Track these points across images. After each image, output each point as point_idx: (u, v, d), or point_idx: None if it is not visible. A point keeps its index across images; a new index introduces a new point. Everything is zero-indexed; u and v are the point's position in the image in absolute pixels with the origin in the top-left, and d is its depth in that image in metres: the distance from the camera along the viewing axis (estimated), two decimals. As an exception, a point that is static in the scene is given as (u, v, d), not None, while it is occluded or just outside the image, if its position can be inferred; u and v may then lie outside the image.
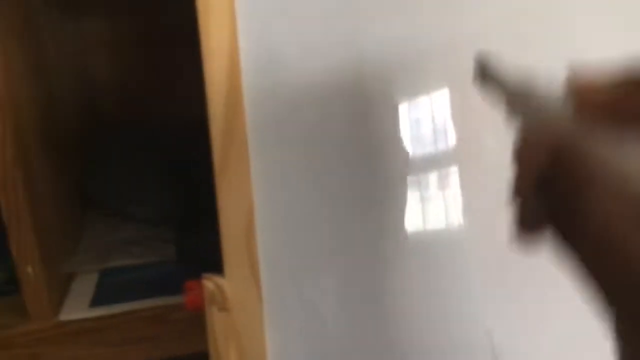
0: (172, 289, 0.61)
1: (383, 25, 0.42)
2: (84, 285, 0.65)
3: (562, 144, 0.19)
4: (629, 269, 0.17)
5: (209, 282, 0.44)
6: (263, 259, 0.44)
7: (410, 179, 0.45)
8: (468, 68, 0.44)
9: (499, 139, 0.45)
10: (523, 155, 0.20)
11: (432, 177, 0.45)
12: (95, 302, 0.62)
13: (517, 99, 0.22)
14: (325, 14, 0.41)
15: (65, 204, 0.71)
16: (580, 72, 0.20)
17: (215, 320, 0.44)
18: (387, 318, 0.47)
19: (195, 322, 0.50)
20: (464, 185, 0.45)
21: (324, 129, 0.43)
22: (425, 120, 0.44)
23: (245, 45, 0.40)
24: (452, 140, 0.45)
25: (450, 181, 0.45)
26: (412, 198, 0.45)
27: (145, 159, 0.77)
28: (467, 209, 0.46)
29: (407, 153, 0.45)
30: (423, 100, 0.44)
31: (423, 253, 0.46)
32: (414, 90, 0.44)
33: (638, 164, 0.17)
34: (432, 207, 0.46)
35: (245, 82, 0.41)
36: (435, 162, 0.45)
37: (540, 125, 0.20)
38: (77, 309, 0.61)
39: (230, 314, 0.44)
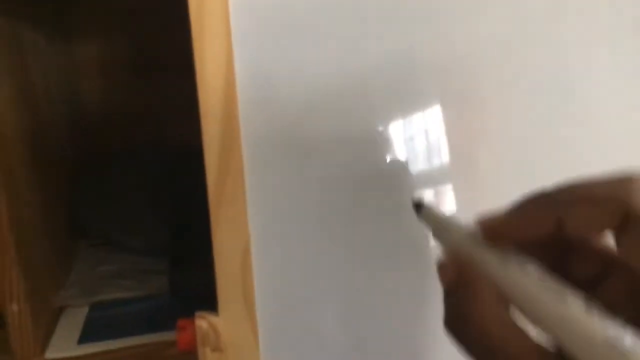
0: (165, 324, 0.60)
1: (376, 44, 0.41)
2: (73, 320, 0.63)
3: (462, 266, 0.26)
4: None
5: (202, 321, 0.42)
6: (259, 296, 0.42)
7: (406, 196, 0.44)
8: (461, 85, 0.43)
9: (493, 155, 0.44)
10: (438, 271, 0.27)
11: (427, 195, 0.45)
12: (84, 338, 0.60)
13: (441, 231, 0.30)
14: (319, 35, 0.40)
15: (54, 234, 0.69)
16: (486, 215, 0.27)
17: (209, 361, 0.42)
18: (390, 350, 0.45)
19: (189, 359, 0.48)
20: (458, 203, 0.44)
21: (322, 156, 0.42)
22: (419, 137, 0.44)
23: (240, 72, 0.38)
24: (445, 157, 0.44)
25: (445, 198, 0.45)
26: (408, 217, 0.44)
27: (136, 188, 0.75)
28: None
29: (405, 171, 0.43)
30: (417, 118, 0.43)
31: (419, 272, 0.44)
32: (408, 107, 0.43)
33: (515, 279, 0.24)
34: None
35: (241, 111, 0.39)
36: (429, 179, 0.45)
37: (451, 252, 0.28)
38: (64, 346, 0.59)
39: (224, 355, 0.42)
